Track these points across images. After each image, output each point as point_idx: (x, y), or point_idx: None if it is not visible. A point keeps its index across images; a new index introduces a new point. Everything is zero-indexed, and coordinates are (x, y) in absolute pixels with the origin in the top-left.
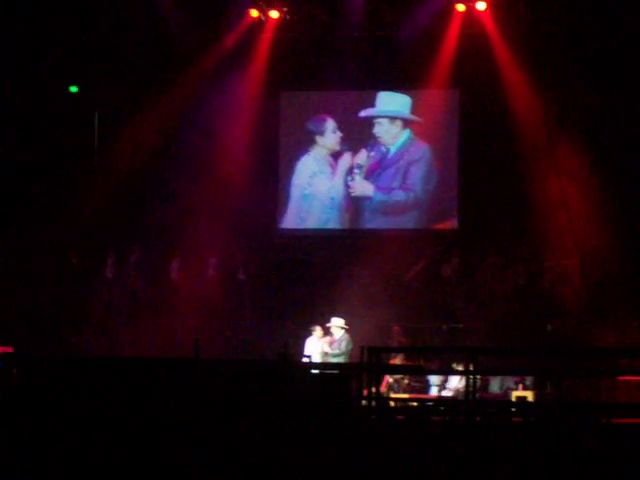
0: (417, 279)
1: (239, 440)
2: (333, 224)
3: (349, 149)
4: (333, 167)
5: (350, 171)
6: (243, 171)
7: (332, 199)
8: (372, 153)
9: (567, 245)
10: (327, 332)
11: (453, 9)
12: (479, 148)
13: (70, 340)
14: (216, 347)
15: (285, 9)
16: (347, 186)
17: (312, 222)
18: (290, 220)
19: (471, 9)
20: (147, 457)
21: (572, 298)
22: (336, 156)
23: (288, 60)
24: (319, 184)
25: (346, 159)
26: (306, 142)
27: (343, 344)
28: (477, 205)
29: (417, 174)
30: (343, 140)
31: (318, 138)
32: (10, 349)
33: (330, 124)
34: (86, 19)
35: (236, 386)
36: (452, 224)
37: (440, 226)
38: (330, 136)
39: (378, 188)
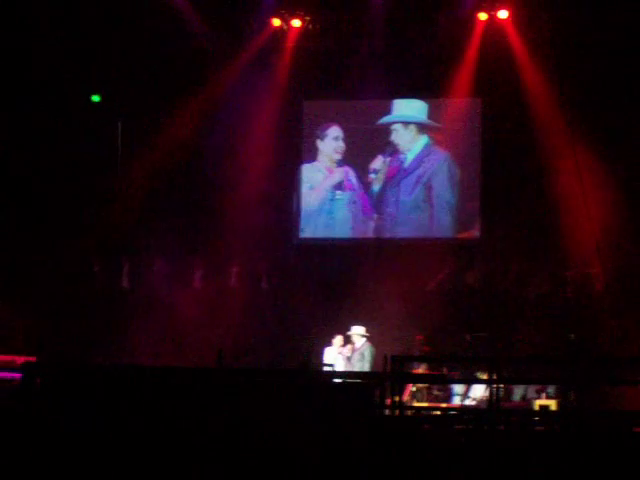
0: (439, 288)
1: (262, 450)
2: (354, 233)
3: (354, 160)
4: (351, 177)
5: (368, 175)
6: (266, 180)
7: (352, 209)
8: (388, 159)
9: (590, 253)
10: (348, 341)
11: (475, 18)
12: (501, 157)
13: (93, 349)
14: (239, 356)
15: (308, 18)
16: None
17: (333, 231)
18: (312, 229)
19: (493, 18)
20: (168, 466)
21: (595, 306)
22: (349, 166)
23: (310, 69)
24: (340, 193)
25: (363, 169)
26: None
27: (366, 353)
28: (499, 214)
29: (442, 188)
30: (348, 151)
31: (319, 143)
32: (33, 358)
33: (334, 131)
34: (109, 29)
35: (259, 395)
36: (474, 233)
37: (462, 235)
38: (330, 143)
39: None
